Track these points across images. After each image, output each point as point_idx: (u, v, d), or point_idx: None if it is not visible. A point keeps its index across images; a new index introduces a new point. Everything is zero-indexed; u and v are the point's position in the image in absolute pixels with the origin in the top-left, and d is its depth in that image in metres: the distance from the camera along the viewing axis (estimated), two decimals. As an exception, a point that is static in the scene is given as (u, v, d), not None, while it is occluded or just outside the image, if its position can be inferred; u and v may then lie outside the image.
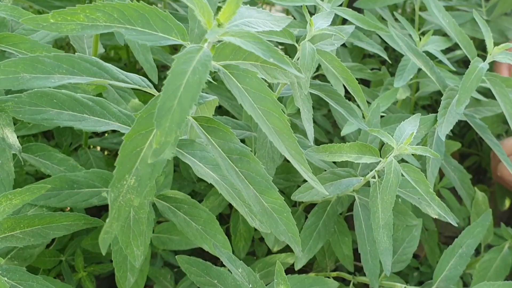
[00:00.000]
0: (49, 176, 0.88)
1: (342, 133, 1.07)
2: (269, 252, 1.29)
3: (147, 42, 0.58)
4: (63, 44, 1.26)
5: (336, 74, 0.94)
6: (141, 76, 0.66)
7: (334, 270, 1.19)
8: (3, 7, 0.77)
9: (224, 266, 0.92)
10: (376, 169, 0.93)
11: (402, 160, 1.00)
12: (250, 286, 0.81)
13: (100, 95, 0.88)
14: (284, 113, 0.64)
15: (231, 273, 0.87)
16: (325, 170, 0.99)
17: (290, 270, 1.18)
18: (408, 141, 0.88)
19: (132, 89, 0.99)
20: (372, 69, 1.43)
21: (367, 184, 0.99)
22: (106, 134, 1.25)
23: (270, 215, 0.71)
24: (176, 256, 0.86)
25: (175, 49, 1.31)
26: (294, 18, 1.35)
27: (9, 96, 0.70)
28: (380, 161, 0.91)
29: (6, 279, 0.73)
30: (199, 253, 1.06)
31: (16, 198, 0.68)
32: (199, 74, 0.55)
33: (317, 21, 0.91)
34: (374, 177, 0.94)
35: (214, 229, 0.90)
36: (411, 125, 0.91)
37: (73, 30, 0.57)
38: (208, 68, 0.56)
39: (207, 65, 0.56)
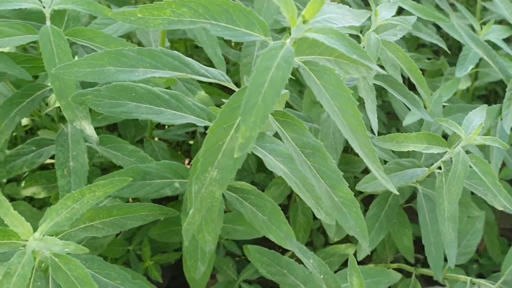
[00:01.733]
0: (120, 167, 0.91)
1: (404, 123, 1.07)
2: (326, 242, 1.30)
3: (232, 38, 0.59)
4: (126, 38, 1.28)
5: (400, 65, 0.94)
6: (220, 71, 0.68)
7: (392, 262, 1.19)
8: (80, 2, 0.79)
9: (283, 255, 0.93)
10: (442, 159, 0.92)
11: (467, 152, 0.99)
12: (322, 276, 0.82)
13: (168, 88, 0.89)
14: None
15: (300, 263, 0.89)
16: (385, 161, 0.99)
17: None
18: (477, 132, 0.87)
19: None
20: (426, 59, 1.42)
21: (430, 175, 0.98)
22: (167, 127, 1.27)
23: (340, 209, 0.71)
24: (247, 246, 0.88)
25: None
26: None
27: (89, 89, 0.72)
28: (447, 151, 0.91)
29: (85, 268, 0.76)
30: (261, 243, 1.07)
31: (99, 190, 0.70)
32: (283, 71, 0.56)
33: (381, 11, 0.91)
34: (439, 167, 0.94)
35: (279, 219, 0.91)
36: (479, 116, 0.91)
37: (160, 25, 0.58)
38: (291, 65, 0.57)
39: (290, 61, 0.57)
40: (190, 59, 0.66)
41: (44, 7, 0.78)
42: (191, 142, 1.39)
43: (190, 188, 0.73)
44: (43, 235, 0.66)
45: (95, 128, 1.04)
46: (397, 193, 0.71)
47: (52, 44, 0.75)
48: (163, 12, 0.58)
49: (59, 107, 1.00)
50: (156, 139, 1.27)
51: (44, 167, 1.11)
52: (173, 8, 0.58)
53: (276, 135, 0.77)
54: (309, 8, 0.56)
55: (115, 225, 0.77)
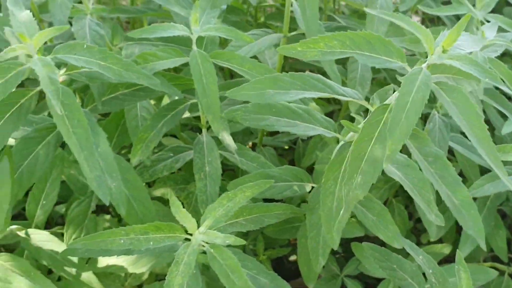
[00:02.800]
0: (246, 172, 1.02)
1: (502, 132, 1.14)
2: (419, 242, 1.39)
3: (375, 65, 0.69)
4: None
5: (503, 80, 1.02)
6: (354, 90, 0.78)
7: (483, 261, 1.27)
8: (222, 29, 0.91)
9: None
10: (542, 167, 1.00)
11: None
12: (431, 271, 0.91)
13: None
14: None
15: (407, 259, 0.98)
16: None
17: (442, 261, 1.27)
18: None
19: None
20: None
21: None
22: (265, 134, 1.39)
23: (460, 211, 0.80)
24: (357, 243, 0.98)
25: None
26: (444, 25, 1.43)
27: (238, 106, 0.84)
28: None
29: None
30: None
31: (248, 191, 0.81)
32: (422, 92, 0.66)
33: (486, 32, 1.00)
34: (538, 174, 1.01)
35: (386, 220, 1.00)
36: None
37: (315, 56, 0.69)
38: (429, 87, 0.67)
39: (428, 84, 0.67)
40: (330, 81, 0.77)
41: (192, 34, 0.90)
42: (285, 147, 1.51)
43: (323, 191, 0.83)
44: (207, 229, 0.78)
45: (212, 137, 1.17)
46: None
47: (200, 66, 0.87)
48: (317, 45, 0.69)
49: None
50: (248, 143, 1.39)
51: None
52: (325, 41, 0.69)
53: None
54: (447, 39, 0.66)
55: (255, 222, 0.89)
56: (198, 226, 0.79)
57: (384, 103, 0.72)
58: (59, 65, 0.77)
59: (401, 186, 1.20)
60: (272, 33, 1.06)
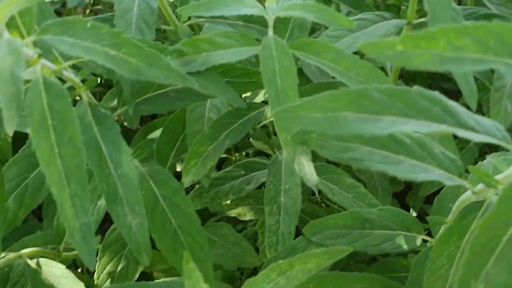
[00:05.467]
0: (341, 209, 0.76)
1: None
2: None
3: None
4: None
5: None
6: (495, 123, 0.47)
7: None
8: (310, 8, 0.64)
9: None
10: None
11: None
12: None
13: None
14: None
15: None
16: None
17: None
18: None
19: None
20: None
21: None
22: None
23: None
24: None
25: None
26: None
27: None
28: None
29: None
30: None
31: (312, 262, 0.53)
32: None
33: None
34: None
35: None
36: None
37: (427, 62, 0.40)
38: None
39: None
40: (455, 105, 0.47)
41: (267, 14, 0.64)
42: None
43: (429, 273, 0.55)
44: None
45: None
46: None
47: (274, 61, 0.61)
48: (434, 44, 0.40)
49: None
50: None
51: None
52: (449, 38, 0.40)
53: None
54: None
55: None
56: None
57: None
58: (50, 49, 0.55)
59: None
60: (390, 18, 0.75)
